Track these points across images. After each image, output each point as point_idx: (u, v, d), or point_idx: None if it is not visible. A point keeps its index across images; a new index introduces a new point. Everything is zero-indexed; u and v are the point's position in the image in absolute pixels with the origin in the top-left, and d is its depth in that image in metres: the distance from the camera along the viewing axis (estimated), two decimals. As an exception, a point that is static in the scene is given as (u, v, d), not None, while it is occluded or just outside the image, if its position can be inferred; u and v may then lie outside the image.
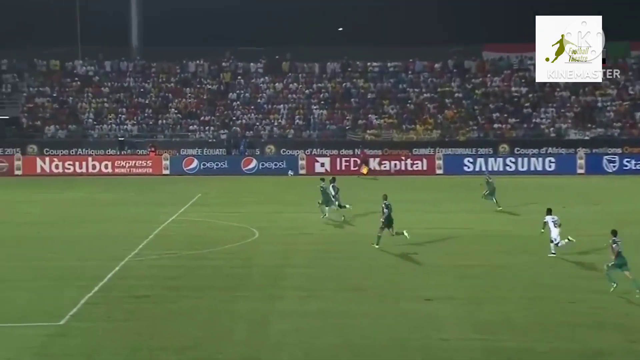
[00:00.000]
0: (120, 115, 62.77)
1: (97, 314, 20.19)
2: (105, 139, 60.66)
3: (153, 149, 58.36)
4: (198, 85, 66.20)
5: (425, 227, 32.76)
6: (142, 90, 65.27)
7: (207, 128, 62.16)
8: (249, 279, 24.07)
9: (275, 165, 56.98)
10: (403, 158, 56.78)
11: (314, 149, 59.14)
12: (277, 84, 66.25)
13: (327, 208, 33.99)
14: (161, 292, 22.26)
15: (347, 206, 34.11)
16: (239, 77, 66.74)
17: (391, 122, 62.44)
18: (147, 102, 64.37)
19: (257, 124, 62.97)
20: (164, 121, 62.73)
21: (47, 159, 56.50)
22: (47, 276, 23.88)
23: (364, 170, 55.01)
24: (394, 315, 20.30)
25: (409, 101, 64.07)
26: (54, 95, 64.25)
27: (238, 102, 64.80)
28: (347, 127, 62.36)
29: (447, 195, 41.28)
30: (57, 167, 55.88)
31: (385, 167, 56.39)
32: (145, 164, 56.75)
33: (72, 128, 61.63)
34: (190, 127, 62.12)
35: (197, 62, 67.26)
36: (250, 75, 67.07)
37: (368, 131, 61.62)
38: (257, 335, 18.89)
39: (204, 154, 59.30)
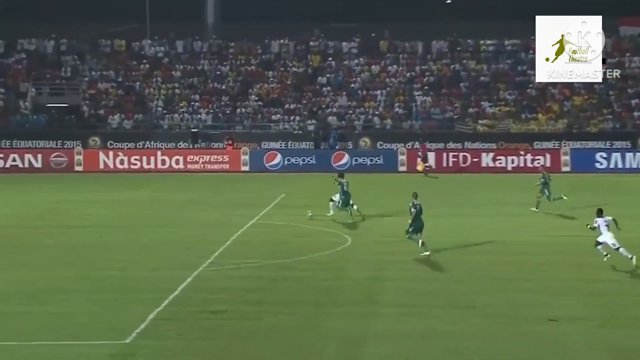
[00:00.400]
0: (193, 103, 63.93)
1: (168, 332, 20.59)
2: (176, 131, 61.88)
3: (230, 142, 59.23)
4: (282, 68, 66.86)
5: (548, 234, 32.27)
6: (218, 74, 66.31)
7: (292, 118, 62.72)
8: (340, 292, 24.20)
9: (371, 161, 57.07)
10: (522, 153, 56.11)
11: (417, 142, 58.97)
12: (373, 67, 66.32)
13: (347, 207, 35.61)
14: (240, 306, 22.57)
15: (354, 207, 35.59)
16: (330, 59, 67.09)
17: (508, 110, 61.74)
18: (223, 87, 65.36)
19: (350, 112, 63.16)
20: (243, 110, 63.58)
21: (110, 153, 57.97)
22: (111, 287, 24.49)
23: (420, 167, 54.54)
24: (510, 338, 20.11)
25: (530, 86, 63.19)
26: (119, 80, 65.87)
27: (328, 88, 65.15)
28: (455, 117, 61.96)
29: (575, 198, 40.58)
30: (121, 162, 57.29)
31: (500, 163, 55.84)
32: (221, 159, 57.65)
33: (139, 118, 63.07)
34: (273, 117, 62.79)
35: (281, 41, 67.93)
36: (343, 57, 67.36)
37: (480, 121, 61.10)
38: (349, 358, 18.99)
39: (289, 147, 59.86)
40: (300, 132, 61.34)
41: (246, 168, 57.19)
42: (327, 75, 65.83)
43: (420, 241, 28.12)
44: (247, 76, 66.15)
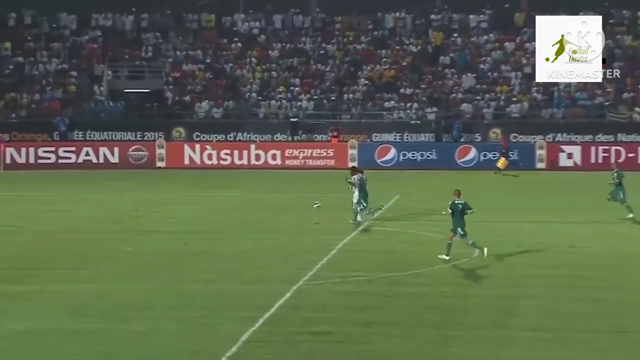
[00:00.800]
0: (292, 88, 64.41)
1: (263, 356, 20.77)
2: (273, 121, 62.44)
3: (335, 134, 59.47)
4: (397, 47, 66.83)
5: None
6: (321, 53, 66.65)
7: (408, 105, 62.63)
8: (464, 313, 24.09)
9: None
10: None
11: (558, 134, 58.25)
12: (507, 44, 65.71)
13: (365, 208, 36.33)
14: (347, 328, 22.66)
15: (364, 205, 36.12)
16: (454, 35, 66.74)
17: (671, 95, 60.49)
18: (328, 69, 65.65)
19: (478, 98, 62.74)
20: (351, 96, 63.75)
21: (197, 146, 58.87)
22: (198, 303, 24.83)
23: (500, 163, 53.64)
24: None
25: (698, 65, 61.79)
26: (207, 61, 66.80)
27: (452, 70, 64.84)
28: (606, 103, 60.95)
29: None
30: (209, 157, 58.14)
31: (658, 159, 54.83)
32: (325, 153, 57.98)
33: (230, 105, 63.87)
34: (386, 104, 62.81)
35: (397, 14, 67.93)
36: (470, 32, 66.93)
37: (637, 109, 59.94)
38: (477, 391, 18.91)
39: (404, 140, 59.83)
40: (418, 122, 61.22)
41: (354, 164, 57.24)
42: (451, 54, 65.52)
43: (470, 242, 29.23)
44: (356, 55, 66.29)
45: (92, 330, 22.32)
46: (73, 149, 59.13)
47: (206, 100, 63.72)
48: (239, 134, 61.02)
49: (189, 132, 61.16)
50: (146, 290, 26.37)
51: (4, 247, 32.72)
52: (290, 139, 60.53)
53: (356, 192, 36.38)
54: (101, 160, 58.45)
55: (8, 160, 58.03)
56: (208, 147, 58.78)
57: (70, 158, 58.65)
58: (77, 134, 61.59)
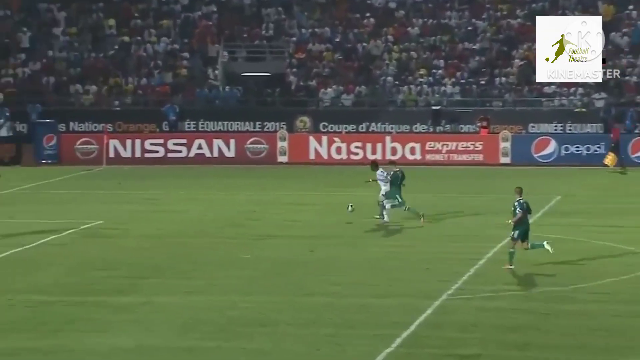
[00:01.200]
0: (435, 71, 64.14)
1: (401, 380, 20.89)
2: (412, 109, 62.25)
3: (485, 124, 59.10)
4: (558, 22, 66.01)
5: None
6: (469, 30, 66.25)
7: (572, 90, 61.84)
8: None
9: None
10: None
11: None
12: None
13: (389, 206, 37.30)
14: (498, 350, 22.52)
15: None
16: (629, 8, 65.62)
17: None
18: (477, 48, 65.22)
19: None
20: (504, 79, 63.25)
21: (324, 138, 59.14)
22: (325, 319, 24.92)
23: (609, 160, 52.60)
24: None
25: None
26: (337, 40, 66.91)
27: (626, 49, 63.75)
28: None
29: None
30: (338, 150, 58.34)
31: None
32: (472, 147, 57.72)
33: (363, 91, 63.91)
34: (545, 89, 62.10)
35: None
36: (646, 3, 65.76)
37: None
38: None
39: (567, 131, 59.10)
40: (583, 109, 60.39)
41: (507, 160, 56.92)
42: (624, 29, 64.44)
43: (529, 245, 29.84)
44: (511, 31, 65.71)
45: (204, 348, 22.58)
46: (183, 141, 59.87)
47: (334, 86, 63.88)
48: (372, 124, 61.04)
49: (314, 122, 61.39)
50: (266, 303, 26.60)
51: (107, 253, 33.39)
52: (431, 130, 60.33)
53: (383, 187, 37.31)
54: (215, 154, 59.10)
55: (112, 154, 58.86)
56: (336, 139, 58.97)
57: (180, 151, 59.44)
58: (188, 124, 62.36)
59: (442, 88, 63.10)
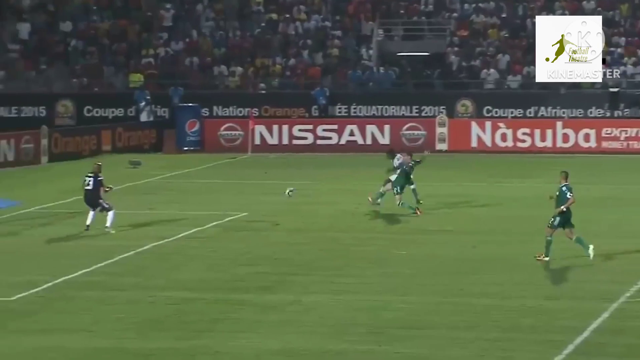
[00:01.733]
0: (614, 49, 63.13)
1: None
2: (587, 91, 61.40)
3: (669, 110, 58.19)
4: None
5: None
6: (649, 5, 65.09)
7: None
8: None
9: None
10: None
11: None
12: None
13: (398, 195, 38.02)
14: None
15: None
16: None
17: None
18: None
19: None
20: (688, 59, 62.05)
21: (487, 124, 58.98)
22: (490, 323, 24.78)
23: None
24: None
25: None
26: (503, 15, 66.67)
27: None
28: None
29: None
30: (503, 138, 58.10)
31: None
32: (654, 134, 56.91)
33: (532, 72, 63.25)
34: None
35: None
36: None
37: None
38: None
39: None
40: None
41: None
42: None
43: (573, 236, 30.35)
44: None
45: (355, 351, 22.65)
46: (334, 127, 60.21)
47: (497, 66, 63.43)
48: (542, 108, 60.58)
49: (477, 106, 61.19)
50: (424, 304, 26.66)
51: (254, 247, 33.77)
52: (609, 114, 59.55)
53: (394, 176, 38.36)
54: (368, 142, 59.32)
55: (257, 141, 59.51)
56: (501, 125, 58.71)
57: (330, 138, 59.83)
58: (339, 108, 62.69)
59: (622, 68, 62.02)
